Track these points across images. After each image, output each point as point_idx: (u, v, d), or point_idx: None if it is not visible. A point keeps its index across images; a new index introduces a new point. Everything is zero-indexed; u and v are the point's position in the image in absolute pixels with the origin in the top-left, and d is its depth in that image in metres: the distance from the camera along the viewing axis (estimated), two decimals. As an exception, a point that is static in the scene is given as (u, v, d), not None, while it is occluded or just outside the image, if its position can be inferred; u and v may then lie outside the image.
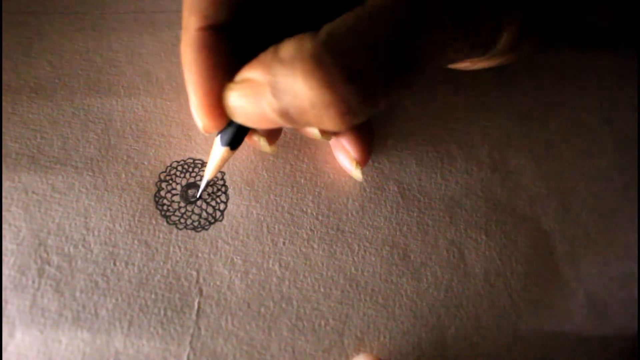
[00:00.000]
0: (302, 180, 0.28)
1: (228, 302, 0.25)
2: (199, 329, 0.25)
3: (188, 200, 0.27)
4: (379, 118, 0.29)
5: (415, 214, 0.28)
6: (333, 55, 0.18)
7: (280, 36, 0.19)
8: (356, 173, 0.27)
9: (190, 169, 0.27)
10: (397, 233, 0.27)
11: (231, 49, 0.22)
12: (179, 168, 0.27)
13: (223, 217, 0.27)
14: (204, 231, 0.26)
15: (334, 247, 0.27)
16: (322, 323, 0.26)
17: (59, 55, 0.29)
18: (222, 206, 0.27)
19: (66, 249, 0.25)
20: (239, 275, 0.26)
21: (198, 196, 0.26)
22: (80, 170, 0.27)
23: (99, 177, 0.27)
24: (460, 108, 0.30)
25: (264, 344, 0.25)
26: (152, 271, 0.25)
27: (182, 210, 0.26)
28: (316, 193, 0.28)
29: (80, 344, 0.24)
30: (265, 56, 0.19)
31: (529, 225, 0.28)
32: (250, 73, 0.19)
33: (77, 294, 0.25)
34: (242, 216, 0.27)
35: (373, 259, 0.27)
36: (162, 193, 0.27)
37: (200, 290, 0.25)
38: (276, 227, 0.27)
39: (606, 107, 0.31)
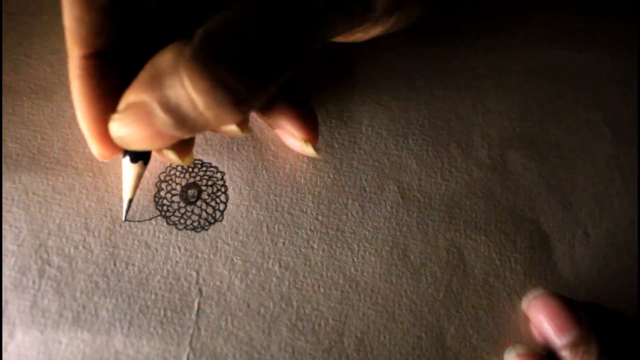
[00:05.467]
0: (302, 180, 0.28)
1: (228, 303, 0.25)
2: (199, 329, 0.25)
3: (188, 201, 0.27)
4: (379, 118, 0.29)
5: (415, 214, 0.28)
6: (211, 53, 0.18)
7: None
8: (309, 150, 0.26)
9: (190, 169, 0.27)
10: (397, 233, 0.27)
11: (119, 74, 0.21)
12: (179, 168, 0.27)
13: (223, 218, 0.27)
14: (203, 231, 0.26)
15: (334, 247, 0.27)
16: (322, 323, 0.26)
17: (59, 56, 0.29)
18: (221, 206, 0.27)
19: (66, 250, 0.25)
20: (238, 276, 0.26)
21: (124, 218, 0.25)
22: (81, 171, 0.27)
23: (99, 178, 0.27)
24: (460, 108, 0.30)
25: (263, 344, 0.25)
26: (152, 272, 0.25)
27: (182, 211, 0.26)
28: (316, 193, 0.28)
29: (80, 345, 0.24)
30: (144, 75, 0.19)
31: (529, 225, 0.28)
32: (135, 96, 0.19)
33: (78, 294, 0.25)
34: (242, 216, 0.27)
35: (373, 259, 0.27)
36: (162, 193, 0.27)
37: (200, 291, 0.25)
38: (276, 227, 0.27)
39: (606, 107, 0.31)
